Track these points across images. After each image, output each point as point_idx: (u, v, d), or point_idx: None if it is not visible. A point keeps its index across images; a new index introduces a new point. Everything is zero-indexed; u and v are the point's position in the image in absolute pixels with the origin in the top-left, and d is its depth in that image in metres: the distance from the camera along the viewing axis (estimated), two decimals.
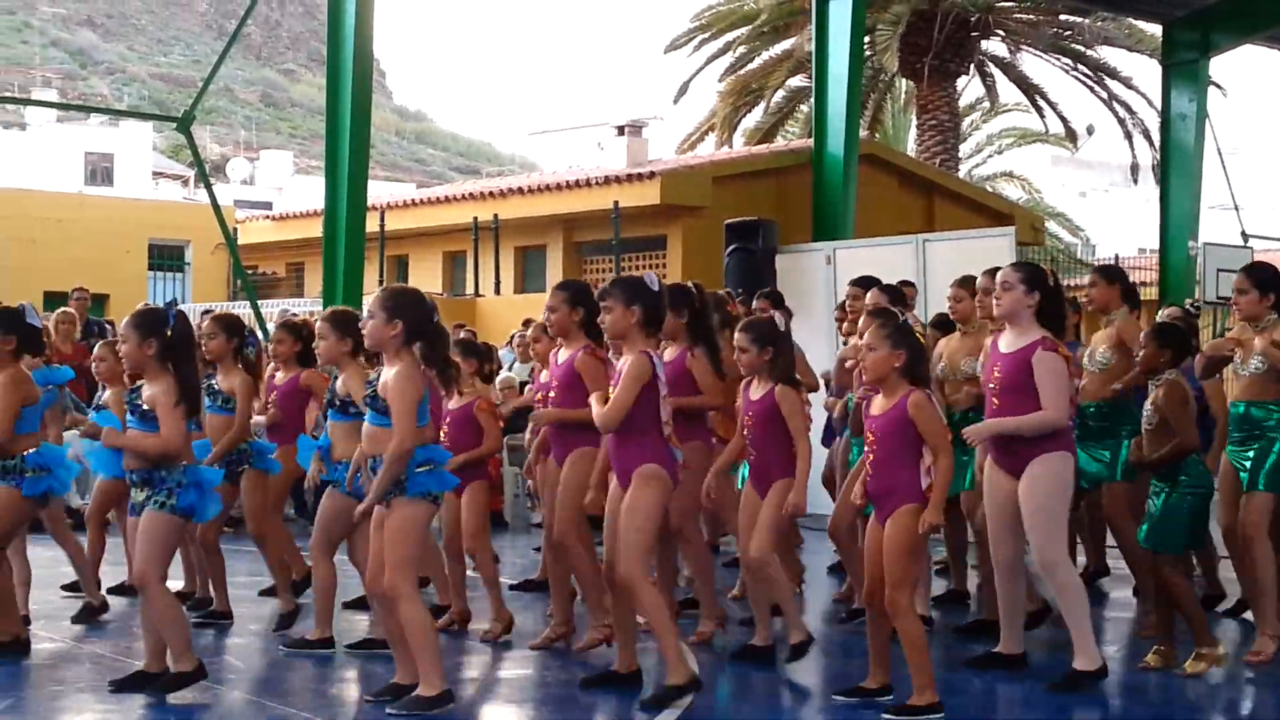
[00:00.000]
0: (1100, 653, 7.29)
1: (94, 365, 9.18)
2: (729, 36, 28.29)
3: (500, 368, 15.19)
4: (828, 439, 10.92)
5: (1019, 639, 7.63)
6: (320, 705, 6.94)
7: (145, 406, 6.82)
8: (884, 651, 6.87)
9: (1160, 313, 10.59)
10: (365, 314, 6.79)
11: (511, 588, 9.62)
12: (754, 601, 8.01)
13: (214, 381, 8.85)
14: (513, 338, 16.36)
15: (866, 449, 6.84)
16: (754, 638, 7.94)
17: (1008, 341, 7.40)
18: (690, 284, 8.58)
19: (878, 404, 6.76)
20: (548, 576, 8.80)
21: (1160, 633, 7.79)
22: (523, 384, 13.82)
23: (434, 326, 6.63)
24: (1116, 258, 29.87)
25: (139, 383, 7.02)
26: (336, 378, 7.78)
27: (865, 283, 9.99)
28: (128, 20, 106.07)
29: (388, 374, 6.50)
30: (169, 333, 6.88)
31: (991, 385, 7.39)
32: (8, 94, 63.96)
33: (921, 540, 6.76)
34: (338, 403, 7.61)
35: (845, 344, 10.34)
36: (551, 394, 7.78)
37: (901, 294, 9.64)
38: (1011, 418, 7.20)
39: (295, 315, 13.62)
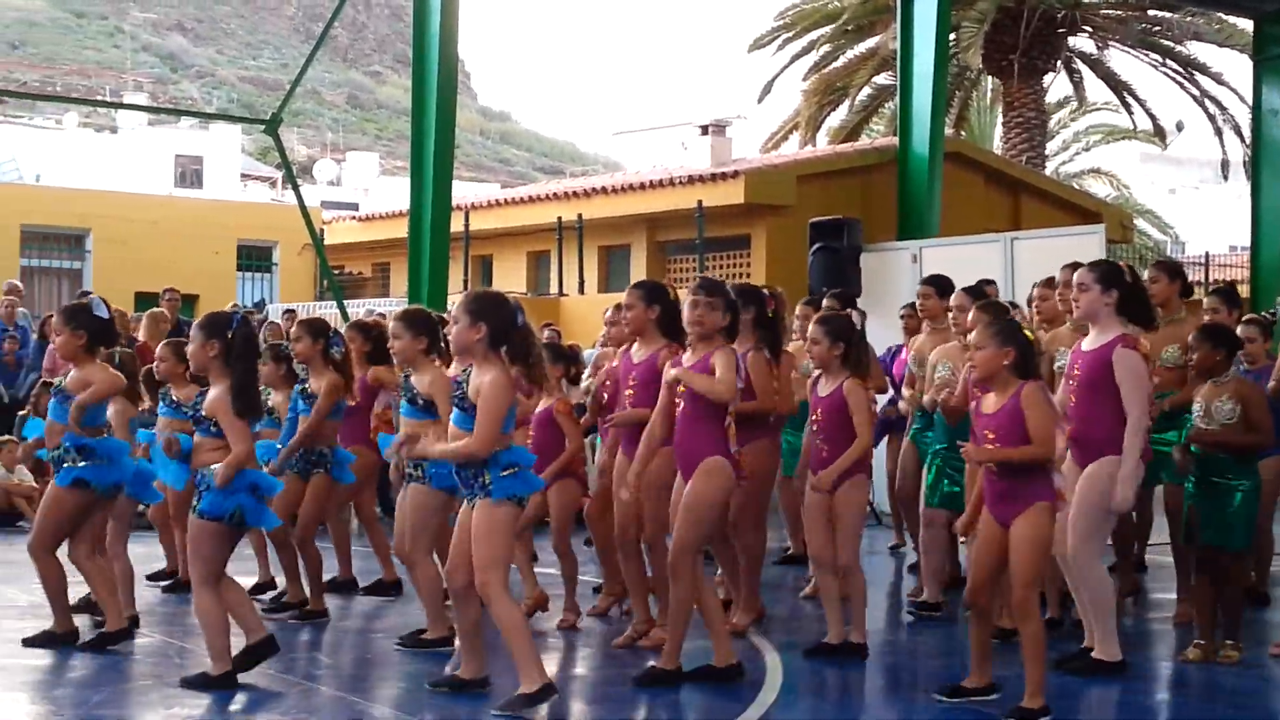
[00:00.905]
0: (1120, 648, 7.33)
1: (155, 365, 9.28)
2: (813, 35, 28.20)
3: (585, 369, 15.25)
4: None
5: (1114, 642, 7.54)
6: (409, 702, 6.96)
7: (203, 412, 7.01)
8: (985, 651, 6.80)
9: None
10: (450, 318, 6.81)
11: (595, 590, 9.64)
12: (826, 600, 7.97)
13: (306, 385, 8.94)
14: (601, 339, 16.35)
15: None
16: (828, 636, 7.89)
17: (1090, 340, 7.39)
18: (766, 289, 8.59)
19: (990, 402, 6.69)
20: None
21: (1205, 625, 7.79)
22: None
23: (519, 328, 6.65)
24: (1207, 255, 29.55)
25: (205, 389, 7.18)
26: (409, 375, 7.82)
27: (937, 282, 9.91)
28: (217, 24, 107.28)
29: (479, 377, 6.52)
30: (230, 335, 6.99)
31: (1071, 383, 7.37)
32: (100, 98, 64.84)
33: (1050, 542, 6.70)
34: (420, 401, 7.64)
35: (910, 343, 10.34)
36: (629, 391, 7.77)
37: (984, 293, 9.57)
38: (1127, 455, 7.09)
39: (378, 314, 13.75)
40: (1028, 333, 6.79)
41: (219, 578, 7.07)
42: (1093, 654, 7.34)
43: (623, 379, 7.87)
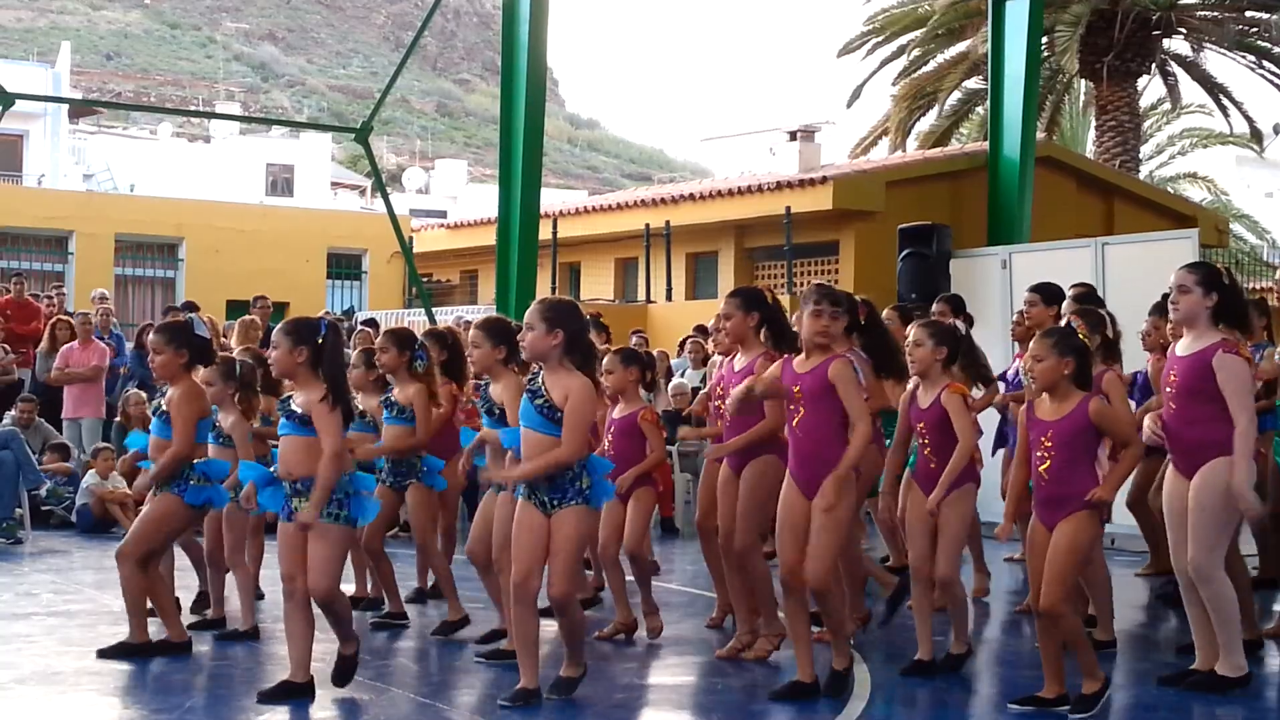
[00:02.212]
0: (1246, 663, 7.17)
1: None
2: (903, 39, 28.05)
3: (669, 375, 15.21)
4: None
5: (1211, 654, 7.33)
6: (488, 709, 6.95)
7: (299, 410, 6.87)
8: (1057, 660, 6.78)
9: None
10: (524, 326, 6.79)
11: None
12: (919, 615, 7.81)
13: (391, 394, 8.96)
14: (684, 343, 16.33)
15: (1039, 454, 6.73)
16: (919, 653, 7.77)
17: (1185, 345, 7.23)
18: (860, 298, 8.48)
19: (1047, 409, 6.74)
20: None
21: None
22: (694, 389, 13.78)
23: (589, 341, 6.69)
24: None
25: (289, 392, 7.12)
26: (488, 384, 7.81)
27: (1043, 290, 9.79)
28: (308, 34, 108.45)
29: (557, 384, 6.52)
30: (320, 341, 6.96)
31: (1169, 389, 7.22)
32: (193, 108, 65.70)
33: (1090, 546, 6.74)
34: (496, 411, 7.63)
35: (1018, 350, 10.18)
36: (718, 404, 7.73)
37: (1095, 294, 9.42)
38: (1236, 463, 6.92)
39: (458, 321, 13.76)
40: (1085, 340, 6.85)
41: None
42: (1216, 669, 7.13)
43: (726, 389, 7.74)
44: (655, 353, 13.92)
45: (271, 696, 6.88)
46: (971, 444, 7.53)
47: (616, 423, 8.61)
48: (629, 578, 8.76)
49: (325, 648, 7.23)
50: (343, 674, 7.08)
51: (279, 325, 7.17)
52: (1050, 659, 6.79)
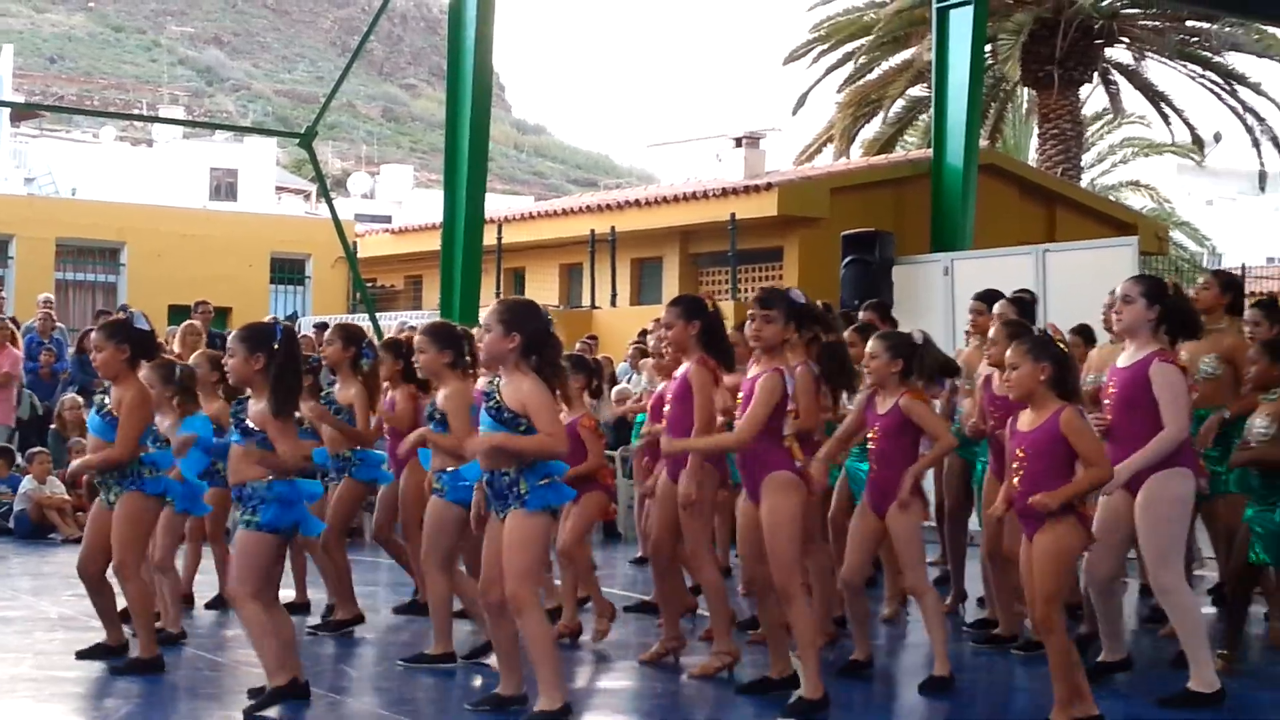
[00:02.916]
0: (1217, 678, 7.03)
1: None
2: (848, 47, 28.13)
3: (614, 381, 15.20)
4: None
5: (1122, 646, 7.52)
6: (440, 716, 6.93)
7: (250, 424, 6.80)
8: (1067, 672, 6.49)
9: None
10: (482, 327, 6.76)
11: (626, 609, 9.58)
12: (856, 621, 7.85)
13: (333, 391, 8.94)
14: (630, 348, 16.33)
15: (1015, 465, 6.56)
16: (855, 653, 7.81)
17: (1125, 357, 7.27)
18: (819, 303, 8.51)
19: (1026, 419, 6.54)
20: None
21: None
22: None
23: (551, 338, 6.61)
24: (1244, 267, 29.32)
25: (243, 398, 7.02)
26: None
27: (987, 297, 9.84)
28: (253, 38, 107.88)
29: (513, 387, 6.45)
30: (275, 348, 6.90)
31: (1108, 401, 7.25)
32: (137, 112, 65.24)
33: (1072, 556, 6.58)
34: (439, 415, 7.61)
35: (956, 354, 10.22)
36: (666, 407, 7.73)
37: (1030, 304, 9.47)
38: (1140, 455, 6.96)
39: (409, 328, 13.69)
40: (1062, 345, 6.65)
41: (273, 592, 6.91)
42: (1188, 685, 7.02)
43: (666, 399, 7.80)
44: (600, 359, 13.92)
45: (262, 706, 6.70)
46: (951, 440, 7.62)
47: None
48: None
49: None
50: (259, 705, 6.74)
51: (235, 332, 7.06)
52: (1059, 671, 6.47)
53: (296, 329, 19.59)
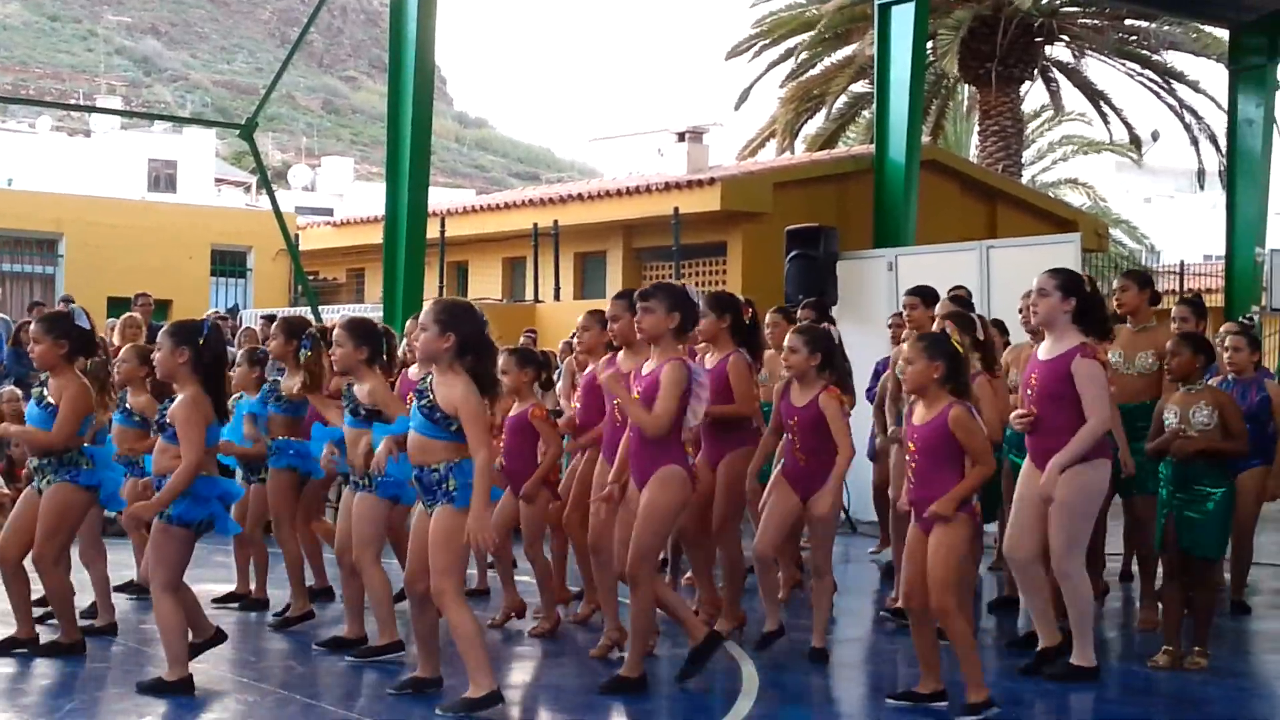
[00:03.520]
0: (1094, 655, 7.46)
1: (115, 366, 9.23)
2: (790, 43, 28.18)
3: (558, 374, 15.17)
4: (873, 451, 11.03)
5: (1053, 632, 7.65)
6: (366, 705, 6.93)
7: (168, 420, 7.06)
8: (931, 656, 6.90)
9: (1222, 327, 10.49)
10: (418, 327, 6.80)
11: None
12: (766, 594, 8.17)
13: (278, 382, 8.98)
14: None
15: (908, 458, 6.91)
16: (766, 625, 8.14)
17: (1046, 349, 7.46)
18: (745, 299, 8.65)
19: (919, 414, 6.87)
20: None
21: (1174, 633, 7.91)
22: None
23: (486, 340, 6.62)
24: (1182, 264, 29.60)
25: (170, 399, 7.21)
26: (351, 385, 7.79)
27: (922, 292, 9.94)
28: (191, 28, 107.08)
29: (446, 387, 6.48)
30: (201, 343, 7.01)
31: (1029, 392, 7.43)
32: (73, 101, 64.60)
33: (967, 545, 6.88)
34: (363, 411, 7.63)
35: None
36: (618, 403, 7.71)
37: (970, 300, 9.55)
38: (1066, 451, 7.19)
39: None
40: (957, 345, 6.95)
41: (179, 583, 7.11)
42: (1070, 659, 7.43)
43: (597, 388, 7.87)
44: (545, 352, 13.88)
45: (150, 690, 6.97)
46: (852, 449, 7.80)
47: (509, 421, 8.66)
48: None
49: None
50: (152, 688, 7.01)
51: (164, 327, 7.17)
52: (925, 654, 6.89)
53: (238, 322, 19.55)
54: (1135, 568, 9.85)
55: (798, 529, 8.52)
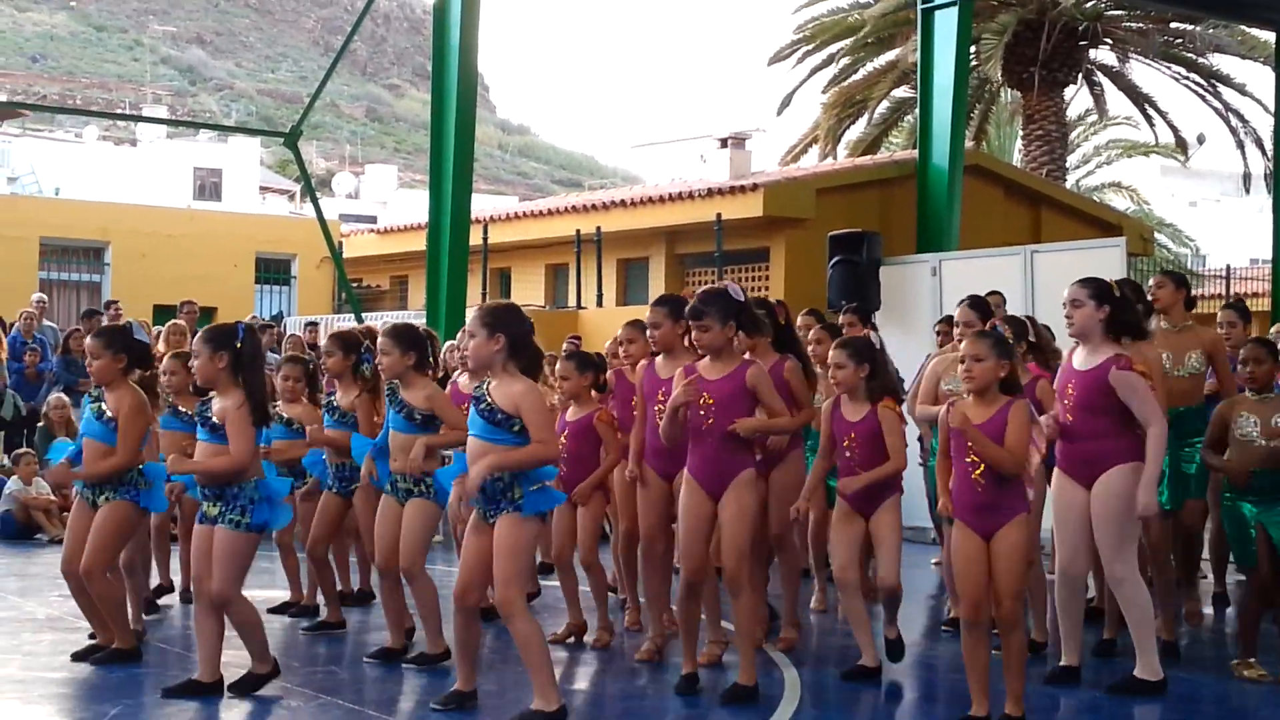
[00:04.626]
0: (1160, 667, 7.32)
1: (163, 377, 9.24)
2: (833, 48, 28.14)
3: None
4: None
5: (1079, 651, 7.60)
6: (418, 715, 6.94)
7: (215, 420, 7.03)
8: (985, 676, 6.63)
9: (1272, 329, 10.47)
10: (467, 333, 6.80)
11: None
12: (856, 624, 7.88)
13: (333, 398, 8.90)
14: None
15: (971, 460, 6.62)
16: (863, 659, 7.81)
17: (1081, 359, 7.41)
18: (775, 300, 8.68)
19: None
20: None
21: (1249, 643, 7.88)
22: None
23: (533, 342, 6.62)
24: (1228, 268, 29.46)
25: (208, 396, 7.22)
26: (397, 389, 7.79)
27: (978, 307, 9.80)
28: (236, 37, 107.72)
29: (505, 389, 6.44)
30: (239, 346, 7.05)
31: (1066, 402, 7.38)
32: (120, 111, 65.07)
33: (1031, 548, 6.87)
34: (418, 416, 7.63)
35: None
36: (659, 408, 7.69)
37: (988, 305, 9.49)
38: (1148, 468, 7.09)
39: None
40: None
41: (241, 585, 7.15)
42: (1134, 673, 7.31)
43: (649, 395, 7.79)
44: (598, 354, 13.89)
45: (177, 692, 7.01)
46: (904, 463, 7.62)
47: (571, 425, 8.54)
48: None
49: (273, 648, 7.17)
50: (242, 686, 7.13)
51: (199, 334, 7.19)
52: (980, 673, 6.62)
53: (282, 329, 19.63)
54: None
55: (867, 548, 8.24)
